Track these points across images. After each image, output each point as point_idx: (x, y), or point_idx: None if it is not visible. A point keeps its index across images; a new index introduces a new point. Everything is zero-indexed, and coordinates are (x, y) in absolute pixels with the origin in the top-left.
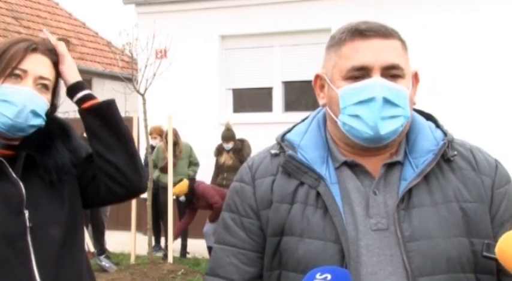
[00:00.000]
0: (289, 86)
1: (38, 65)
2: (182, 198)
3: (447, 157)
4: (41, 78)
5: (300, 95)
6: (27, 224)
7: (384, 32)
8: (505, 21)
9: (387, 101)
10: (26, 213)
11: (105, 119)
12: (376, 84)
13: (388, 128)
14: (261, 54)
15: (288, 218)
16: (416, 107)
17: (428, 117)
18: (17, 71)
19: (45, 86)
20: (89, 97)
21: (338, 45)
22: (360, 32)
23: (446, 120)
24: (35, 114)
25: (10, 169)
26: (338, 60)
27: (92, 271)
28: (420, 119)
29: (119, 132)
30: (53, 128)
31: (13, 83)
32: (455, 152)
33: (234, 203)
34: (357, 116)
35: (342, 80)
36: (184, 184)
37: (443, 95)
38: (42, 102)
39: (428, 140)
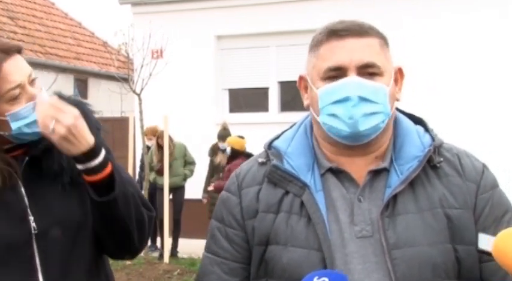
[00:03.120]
0: (285, 86)
1: (19, 66)
2: (228, 150)
3: (433, 163)
4: (29, 76)
5: (296, 95)
6: (32, 230)
7: (358, 31)
8: (503, 23)
9: (363, 99)
10: (31, 219)
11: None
12: (351, 84)
13: (367, 124)
14: (257, 54)
15: (273, 228)
16: (415, 107)
17: (418, 121)
18: (15, 92)
19: (34, 80)
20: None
21: (316, 47)
22: (334, 32)
23: (445, 119)
24: None
25: (14, 174)
26: (316, 62)
27: (104, 268)
28: (408, 123)
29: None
30: None
31: (17, 101)
32: (442, 159)
33: (221, 212)
34: (334, 115)
35: (320, 81)
36: (239, 142)
37: (443, 95)
38: (47, 97)
39: (414, 146)
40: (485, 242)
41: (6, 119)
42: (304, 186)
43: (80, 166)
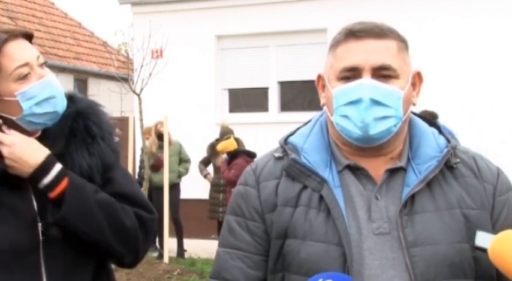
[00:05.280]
0: (285, 86)
1: (26, 48)
2: (224, 156)
3: (450, 164)
4: (38, 58)
5: (296, 95)
6: (40, 237)
7: (377, 33)
8: (503, 27)
9: (375, 102)
10: (40, 226)
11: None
12: (364, 86)
13: (378, 128)
14: (256, 54)
15: (291, 221)
16: (416, 108)
17: (432, 123)
18: (22, 70)
19: (43, 63)
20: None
21: (335, 46)
22: (353, 33)
23: (443, 120)
24: (63, 93)
25: (26, 180)
26: (333, 61)
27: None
28: (423, 125)
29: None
30: (78, 127)
31: (26, 81)
32: (458, 160)
33: (239, 206)
34: (346, 117)
35: (336, 81)
36: (231, 143)
37: (442, 96)
38: (57, 80)
39: (431, 147)
40: (483, 239)
41: (16, 99)
42: (323, 181)
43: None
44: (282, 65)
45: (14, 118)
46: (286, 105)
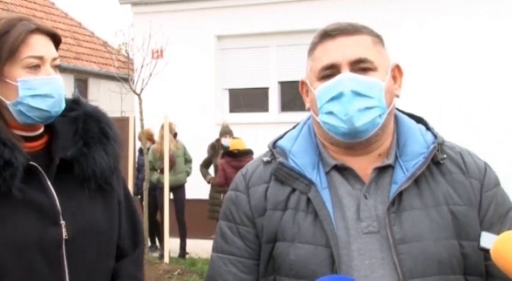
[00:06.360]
0: (285, 86)
1: (47, 46)
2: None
3: (437, 159)
4: (54, 59)
5: (296, 95)
6: (64, 236)
7: (350, 30)
8: (504, 27)
9: (357, 94)
10: (63, 224)
11: None
12: (344, 80)
13: (363, 119)
14: (257, 54)
15: (280, 224)
16: (416, 108)
17: (419, 120)
18: (34, 60)
19: (57, 66)
20: None
21: (312, 50)
22: (327, 33)
23: (441, 119)
24: (63, 98)
25: (45, 175)
26: (312, 63)
27: None
28: (410, 122)
29: None
30: (92, 128)
31: (33, 73)
32: (445, 156)
33: (230, 211)
34: (331, 113)
35: (317, 81)
36: (241, 142)
37: (439, 95)
38: (63, 85)
39: (418, 143)
40: (487, 240)
41: (16, 84)
42: (310, 183)
43: None
44: (283, 65)
45: (7, 102)
46: (286, 105)
